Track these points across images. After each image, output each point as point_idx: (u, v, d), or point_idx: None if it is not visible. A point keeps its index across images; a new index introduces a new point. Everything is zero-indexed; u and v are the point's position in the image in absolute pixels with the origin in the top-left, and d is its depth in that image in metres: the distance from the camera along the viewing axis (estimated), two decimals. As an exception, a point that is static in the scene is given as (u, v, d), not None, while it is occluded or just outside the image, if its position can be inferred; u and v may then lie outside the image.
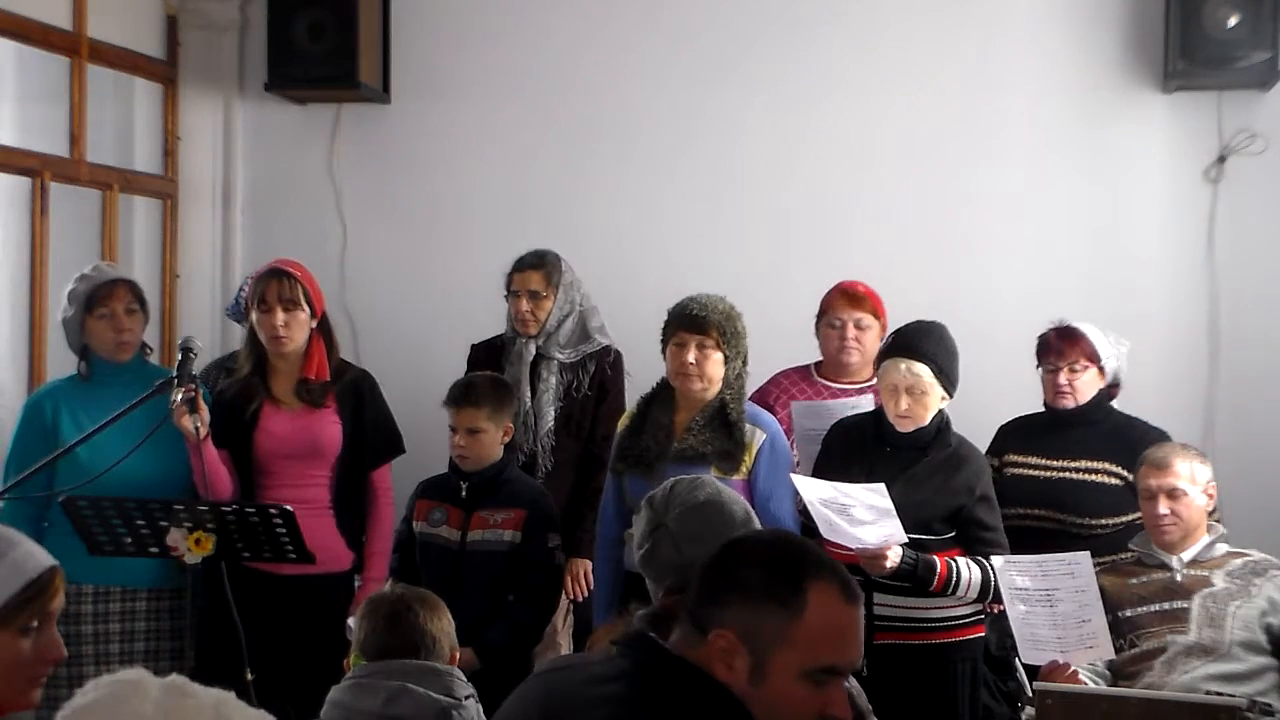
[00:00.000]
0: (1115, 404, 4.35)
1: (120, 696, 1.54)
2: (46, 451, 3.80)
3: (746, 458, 3.93)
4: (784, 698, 1.97)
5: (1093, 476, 4.19)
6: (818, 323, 4.51)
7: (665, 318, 4.05)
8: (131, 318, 4.04)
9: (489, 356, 4.65)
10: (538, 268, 4.57)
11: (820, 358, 4.57)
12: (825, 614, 1.98)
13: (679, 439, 3.95)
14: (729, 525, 2.74)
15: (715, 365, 3.95)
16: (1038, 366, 4.31)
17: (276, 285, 4.11)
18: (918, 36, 5.39)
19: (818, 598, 1.98)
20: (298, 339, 4.13)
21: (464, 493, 4.06)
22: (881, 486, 3.66)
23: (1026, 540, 3.99)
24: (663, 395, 4.06)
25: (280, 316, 4.08)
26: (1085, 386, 4.23)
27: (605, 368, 4.61)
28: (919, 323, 3.94)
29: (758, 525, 2.84)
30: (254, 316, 4.14)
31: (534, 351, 4.57)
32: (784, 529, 3.74)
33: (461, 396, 4.08)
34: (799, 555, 2.04)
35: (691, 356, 3.93)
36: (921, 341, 3.85)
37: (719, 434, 3.93)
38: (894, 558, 3.66)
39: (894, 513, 3.63)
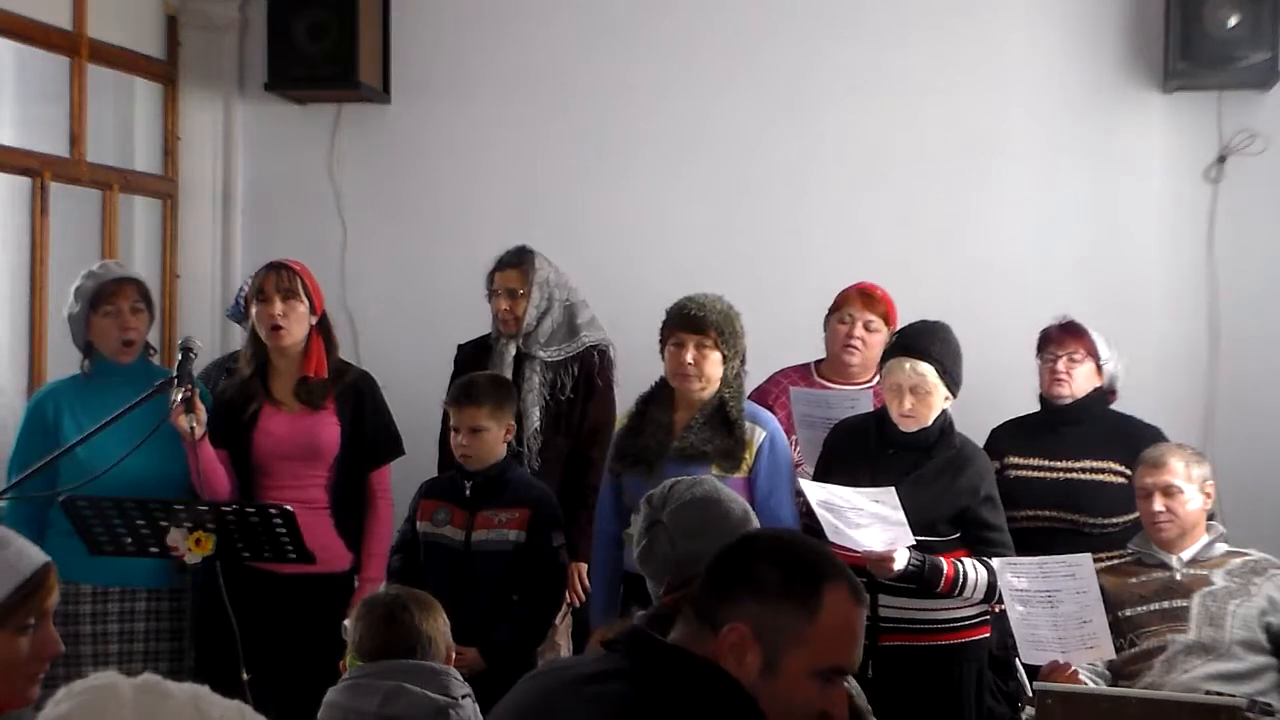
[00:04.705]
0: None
1: (97, 705, 1.53)
2: (48, 452, 3.80)
3: (747, 455, 3.92)
4: (793, 694, 1.98)
5: (1099, 475, 4.21)
6: (828, 317, 4.49)
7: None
8: (137, 316, 4.05)
9: (475, 357, 4.63)
10: (516, 266, 4.56)
11: (822, 356, 4.56)
12: (839, 616, 1.99)
13: (678, 438, 3.95)
14: (725, 521, 2.75)
15: (714, 365, 3.95)
16: (1037, 356, 4.32)
17: (275, 277, 4.12)
18: (918, 38, 5.39)
19: (832, 599, 1.99)
20: (296, 332, 4.12)
21: (468, 492, 4.05)
22: (891, 490, 3.66)
23: (1038, 541, 4.01)
24: (661, 394, 4.06)
25: (279, 306, 4.09)
26: (1081, 378, 4.26)
27: (592, 365, 4.59)
28: (923, 322, 3.94)
29: (756, 524, 2.85)
30: (253, 310, 4.14)
31: (514, 351, 4.55)
32: (786, 527, 3.75)
33: (462, 395, 4.07)
34: (815, 556, 2.05)
35: (690, 356, 3.93)
36: (926, 341, 3.85)
37: (719, 432, 3.92)
38: (900, 560, 3.66)
39: (902, 515, 3.62)
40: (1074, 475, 4.23)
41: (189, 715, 1.54)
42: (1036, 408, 4.38)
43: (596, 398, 4.57)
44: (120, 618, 3.96)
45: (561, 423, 4.55)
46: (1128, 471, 4.10)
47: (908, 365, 3.81)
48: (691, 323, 3.96)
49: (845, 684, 2.44)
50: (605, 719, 1.97)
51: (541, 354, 4.57)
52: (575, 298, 4.66)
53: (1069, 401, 4.27)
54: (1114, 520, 4.16)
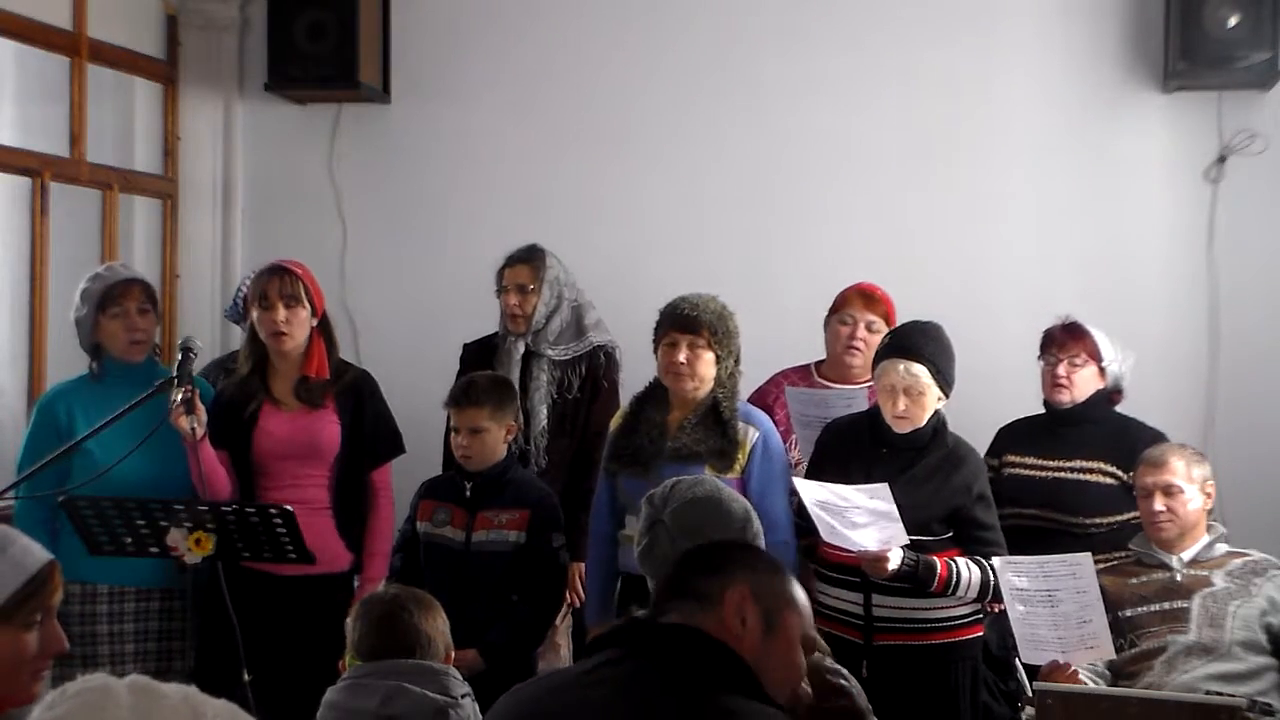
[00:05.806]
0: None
1: (95, 705, 1.53)
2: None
3: (740, 455, 3.92)
4: (788, 655, 2.09)
5: (1088, 476, 4.20)
6: (828, 318, 4.49)
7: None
8: (144, 318, 4.06)
9: (481, 356, 4.63)
10: (526, 262, 4.58)
11: (822, 357, 4.56)
12: (802, 591, 2.19)
13: (672, 437, 3.95)
14: (726, 521, 2.75)
15: (707, 365, 3.94)
16: (1039, 358, 4.31)
17: (278, 282, 4.11)
18: (918, 38, 5.39)
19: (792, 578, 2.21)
20: (298, 336, 4.12)
21: (468, 493, 4.05)
22: (884, 488, 3.65)
23: (1024, 539, 4.00)
24: (655, 394, 4.06)
25: (282, 313, 4.09)
26: (1083, 382, 4.24)
27: (598, 367, 4.60)
28: (915, 323, 3.93)
29: (757, 523, 2.85)
30: (255, 314, 4.14)
31: (523, 349, 4.56)
32: (779, 526, 3.77)
33: (462, 396, 4.07)
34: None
35: (683, 356, 3.92)
36: (919, 342, 3.84)
37: (713, 432, 3.92)
38: (895, 560, 3.66)
39: (896, 514, 3.62)
40: (1062, 475, 4.22)
41: (184, 714, 1.54)
42: (1038, 407, 4.37)
43: (601, 399, 4.58)
44: (136, 617, 3.97)
45: (566, 423, 4.56)
46: (1120, 474, 4.11)
47: (901, 366, 3.81)
48: (685, 322, 3.95)
49: (845, 683, 2.45)
50: (610, 699, 1.98)
51: (550, 353, 4.57)
52: (582, 298, 4.67)
53: (1070, 406, 4.26)
54: (1097, 521, 4.14)
